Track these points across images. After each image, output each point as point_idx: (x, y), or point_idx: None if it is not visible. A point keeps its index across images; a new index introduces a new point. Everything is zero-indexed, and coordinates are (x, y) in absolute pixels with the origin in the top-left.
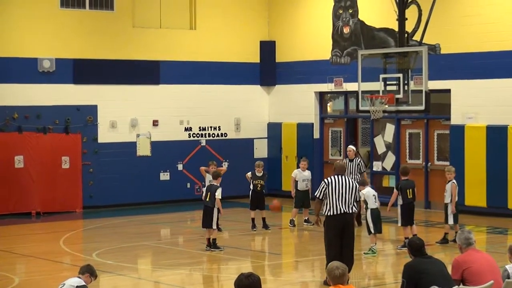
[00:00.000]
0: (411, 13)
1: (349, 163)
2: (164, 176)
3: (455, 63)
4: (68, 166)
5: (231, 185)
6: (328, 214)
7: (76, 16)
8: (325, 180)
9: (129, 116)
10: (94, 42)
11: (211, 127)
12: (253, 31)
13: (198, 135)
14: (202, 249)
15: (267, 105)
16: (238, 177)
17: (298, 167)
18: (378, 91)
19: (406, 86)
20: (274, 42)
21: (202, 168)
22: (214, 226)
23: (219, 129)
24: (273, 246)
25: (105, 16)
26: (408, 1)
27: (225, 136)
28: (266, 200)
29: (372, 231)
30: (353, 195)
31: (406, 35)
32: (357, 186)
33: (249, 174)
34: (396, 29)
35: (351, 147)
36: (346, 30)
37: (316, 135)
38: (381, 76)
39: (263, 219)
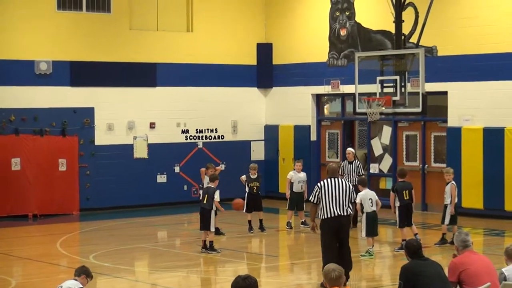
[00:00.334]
0: (408, 15)
1: (348, 165)
2: (161, 178)
3: (452, 65)
4: (65, 169)
5: (228, 187)
6: (323, 217)
7: (73, 18)
8: (318, 184)
9: (126, 118)
10: (91, 44)
11: (208, 129)
12: (250, 34)
13: (195, 138)
14: (199, 252)
15: (264, 107)
16: (235, 179)
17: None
18: (375, 93)
19: (403, 88)
20: (271, 44)
21: (203, 169)
22: (212, 228)
23: (216, 131)
24: (270, 248)
25: (102, 18)
26: (405, 3)
27: (222, 139)
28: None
29: (363, 234)
30: (347, 197)
31: (403, 37)
32: (352, 187)
33: (243, 177)
34: (393, 31)
35: (350, 149)
36: (343, 32)
37: (313, 137)
38: (378, 78)
39: (260, 221)
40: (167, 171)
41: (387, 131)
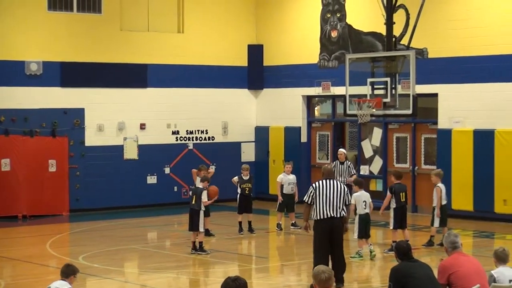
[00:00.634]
0: (399, 17)
1: (340, 165)
2: (151, 179)
3: (442, 67)
4: (55, 169)
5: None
6: (316, 218)
7: (64, 19)
8: (313, 184)
9: (116, 119)
10: (81, 45)
11: (198, 130)
12: (241, 35)
13: (185, 139)
14: (189, 253)
15: (255, 109)
16: (225, 180)
17: None
18: (365, 95)
19: (393, 90)
20: (262, 45)
21: (194, 170)
22: (201, 229)
23: (207, 133)
24: (260, 250)
25: (92, 19)
26: (396, 5)
27: (212, 140)
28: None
29: (356, 236)
30: (341, 199)
31: (393, 39)
32: (346, 189)
33: (235, 178)
34: (384, 33)
35: (342, 150)
36: (334, 34)
37: (304, 139)
38: (369, 80)
39: (249, 222)
40: (157, 172)
41: (377, 133)
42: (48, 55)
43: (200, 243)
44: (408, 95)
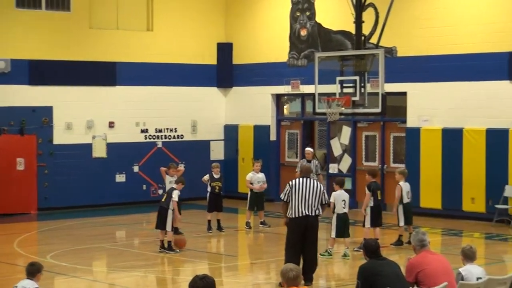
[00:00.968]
0: (368, 15)
1: (307, 164)
2: (120, 178)
3: (411, 66)
4: (23, 168)
5: (187, 187)
6: (291, 216)
7: (32, 16)
8: (290, 182)
9: (85, 117)
10: (50, 43)
11: (167, 128)
12: (210, 33)
13: (154, 137)
14: (157, 251)
15: (224, 107)
16: (195, 179)
17: None
18: (334, 94)
19: (362, 89)
20: (231, 44)
21: (163, 168)
22: (168, 228)
23: (176, 131)
24: (229, 248)
25: (61, 17)
26: (365, 4)
27: (181, 138)
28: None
29: (333, 235)
30: (317, 198)
31: (363, 37)
32: (323, 188)
33: (205, 177)
34: (353, 31)
35: (309, 149)
36: (303, 32)
37: (273, 137)
38: (338, 78)
39: (218, 221)
40: (126, 171)
41: (346, 131)
42: (16, 53)
43: (169, 242)
44: (377, 93)
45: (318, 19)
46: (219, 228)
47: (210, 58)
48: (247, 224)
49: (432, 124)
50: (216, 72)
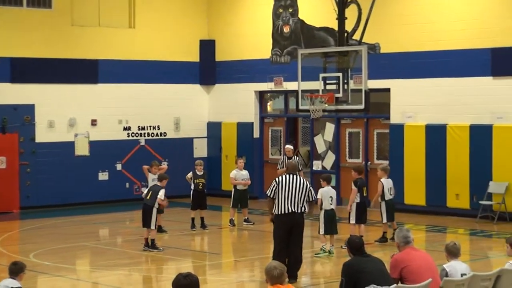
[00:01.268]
0: (351, 12)
1: (288, 161)
2: (103, 176)
3: (394, 62)
4: (5, 166)
5: (171, 185)
6: (276, 213)
7: (13, 14)
8: (276, 179)
9: (67, 115)
10: (31, 41)
11: (150, 126)
12: (193, 30)
13: (137, 135)
14: (141, 250)
15: (207, 104)
16: (178, 176)
17: None
18: (318, 90)
19: (346, 85)
20: (214, 41)
21: (145, 166)
22: (153, 226)
23: (159, 129)
24: (213, 246)
25: (43, 14)
26: (348, 1)
27: (164, 136)
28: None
29: (322, 232)
30: (303, 195)
31: (346, 34)
32: (309, 185)
33: (189, 175)
34: (336, 28)
35: (289, 146)
36: (286, 29)
37: (256, 134)
38: (321, 75)
39: (202, 218)
40: (108, 169)
41: (330, 128)
42: None
43: (152, 240)
44: (360, 90)
45: (301, 15)
46: (203, 226)
47: (192, 55)
48: (231, 221)
49: (415, 120)
50: (199, 69)
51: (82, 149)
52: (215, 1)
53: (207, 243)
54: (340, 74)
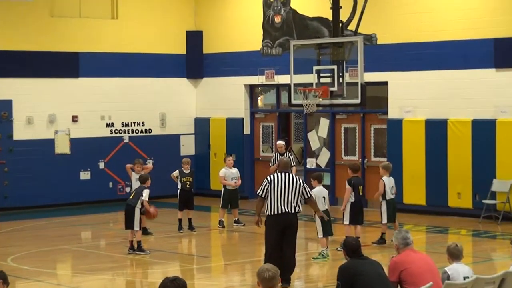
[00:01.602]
0: (346, 1)
1: (280, 157)
2: (85, 175)
3: (392, 54)
4: None
5: (157, 184)
6: (269, 214)
7: None
8: (268, 177)
9: (47, 111)
10: (9, 33)
11: (134, 122)
12: (179, 21)
13: (120, 131)
14: (125, 253)
15: (194, 99)
16: (164, 175)
17: None
18: (311, 84)
19: (341, 79)
20: (201, 32)
21: (128, 165)
22: (137, 227)
23: (143, 125)
24: (201, 249)
25: (21, 5)
26: None
27: (149, 132)
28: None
29: (320, 235)
30: (297, 194)
31: (340, 24)
32: (303, 183)
33: (175, 173)
34: (330, 18)
35: (281, 142)
36: (277, 19)
37: (247, 130)
38: (315, 68)
39: (189, 219)
40: (91, 168)
41: (324, 123)
42: None
43: (138, 242)
44: (356, 83)
45: (293, 5)
46: (191, 227)
47: (179, 47)
48: (220, 223)
49: (415, 115)
50: (185, 62)
51: (62, 147)
52: None
53: (195, 246)
54: (335, 67)
